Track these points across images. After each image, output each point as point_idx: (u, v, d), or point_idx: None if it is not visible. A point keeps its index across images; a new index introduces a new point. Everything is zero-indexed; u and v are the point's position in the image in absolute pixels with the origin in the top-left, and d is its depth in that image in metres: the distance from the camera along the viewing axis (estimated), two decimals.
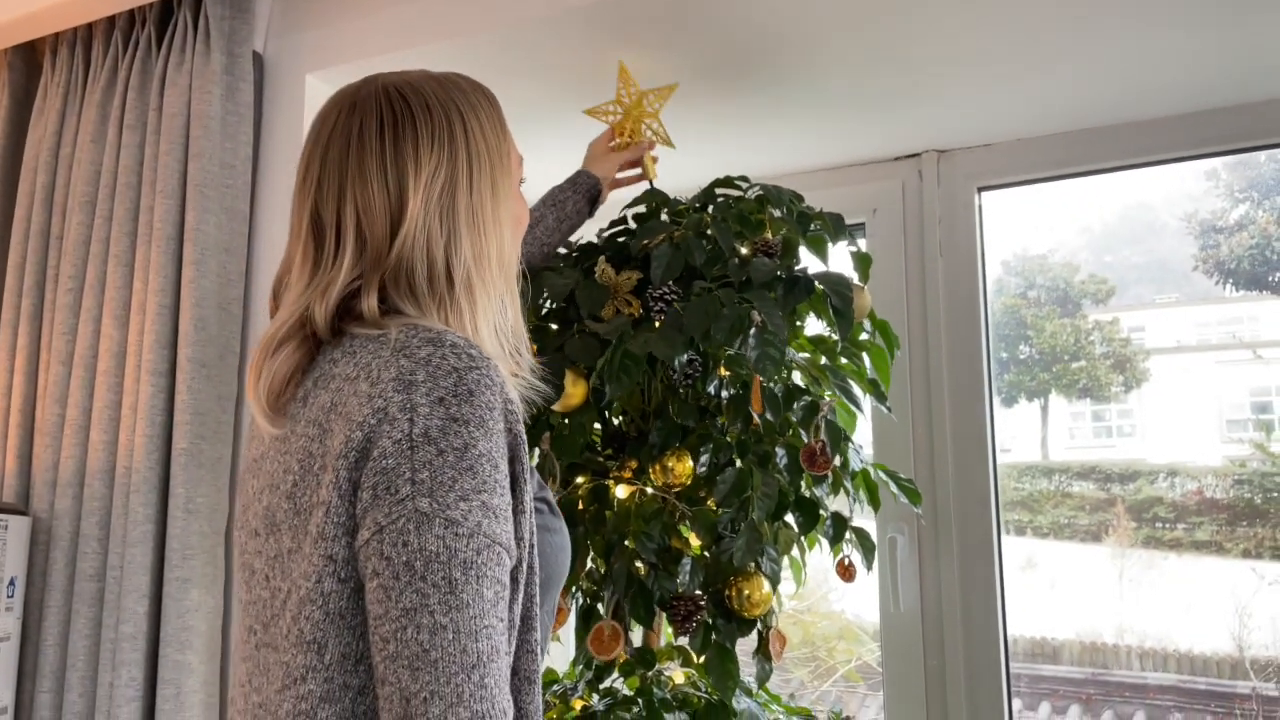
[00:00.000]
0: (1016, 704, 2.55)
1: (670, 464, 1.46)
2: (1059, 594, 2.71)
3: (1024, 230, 2.79)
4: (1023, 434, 2.93)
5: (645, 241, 1.52)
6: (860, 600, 2.56)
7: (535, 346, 1.51)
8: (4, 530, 1.71)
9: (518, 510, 0.90)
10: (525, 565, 0.91)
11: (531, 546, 0.92)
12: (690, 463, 1.46)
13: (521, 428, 0.91)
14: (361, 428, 0.85)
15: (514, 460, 0.90)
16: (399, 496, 0.82)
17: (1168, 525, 2.63)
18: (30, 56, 2.11)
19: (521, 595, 0.90)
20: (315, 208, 0.99)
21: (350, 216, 0.96)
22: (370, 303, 0.95)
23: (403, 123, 0.98)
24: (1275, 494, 2.48)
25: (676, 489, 1.47)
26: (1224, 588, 2.44)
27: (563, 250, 1.70)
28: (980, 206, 2.00)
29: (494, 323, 1.00)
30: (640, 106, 1.71)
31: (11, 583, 1.73)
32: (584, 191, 1.66)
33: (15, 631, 1.74)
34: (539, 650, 0.94)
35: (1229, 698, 2.46)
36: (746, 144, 2.07)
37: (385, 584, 0.81)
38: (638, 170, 1.77)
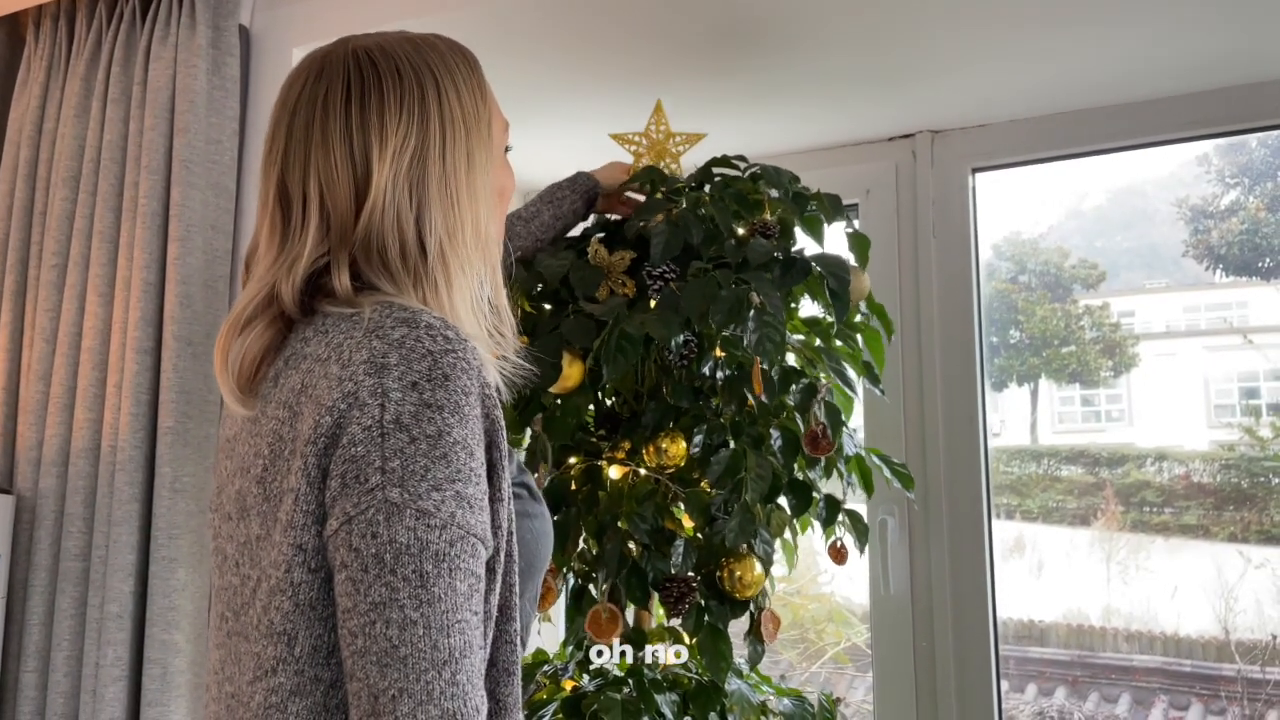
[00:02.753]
0: (1003, 685, 2.57)
1: (664, 445, 1.45)
2: (1047, 577, 2.72)
3: (1015, 214, 2.79)
4: (1012, 418, 2.94)
5: (642, 223, 1.51)
6: (849, 583, 2.56)
7: (525, 339, 1.49)
8: None
9: (495, 498, 0.86)
10: (503, 554, 0.88)
11: (510, 535, 0.89)
12: (684, 444, 1.45)
13: (500, 413, 0.88)
14: (331, 412, 0.82)
15: (491, 446, 0.86)
16: (368, 486, 0.79)
17: (1155, 509, 2.64)
18: (13, 29, 2.08)
19: (500, 585, 0.87)
20: (281, 178, 0.94)
21: (315, 188, 0.92)
22: (342, 279, 0.91)
23: (369, 88, 0.93)
24: (1262, 478, 2.50)
25: (670, 470, 1.46)
26: (1210, 571, 2.46)
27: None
28: (974, 188, 1.99)
29: (471, 300, 0.96)
30: (664, 145, 1.68)
31: None
32: (581, 192, 1.62)
33: None
34: (518, 641, 0.91)
35: (1214, 680, 2.48)
36: (740, 124, 2.05)
37: (354, 576, 0.78)
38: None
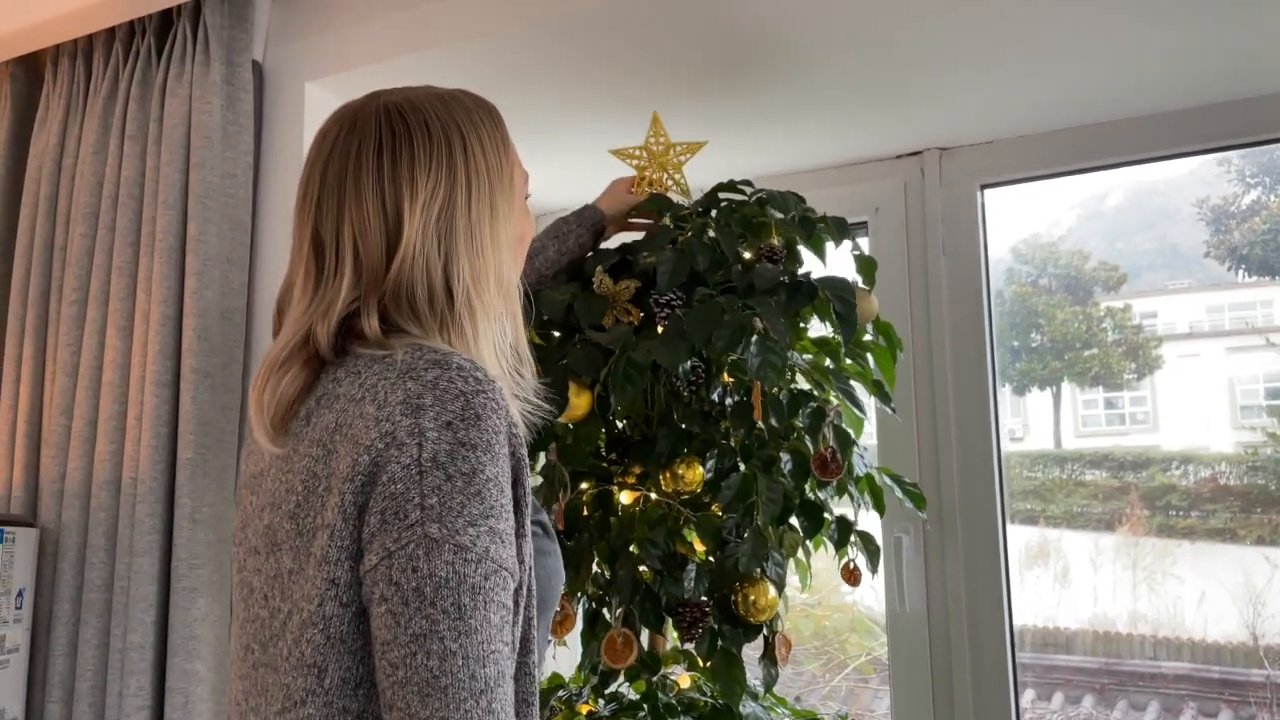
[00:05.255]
0: (1030, 694, 2.55)
1: (680, 471, 1.45)
2: (1071, 583, 2.70)
3: (1034, 217, 2.77)
4: (1035, 423, 2.91)
5: (645, 254, 1.52)
6: (872, 593, 2.55)
7: (539, 369, 1.50)
8: (12, 542, 1.73)
9: (519, 534, 0.90)
10: (525, 588, 0.91)
11: (530, 570, 0.92)
12: (700, 470, 1.46)
13: (524, 451, 0.91)
14: (369, 451, 0.85)
15: (516, 484, 0.90)
16: (408, 522, 0.82)
17: (1181, 513, 2.61)
18: (32, 68, 2.11)
19: (520, 618, 0.90)
20: (316, 227, 0.99)
21: (348, 237, 0.96)
22: (372, 323, 0.94)
23: (400, 143, 0.98)
24: None
25: (685, 496, 1.47)
26: (1238, 575, 2.43)
27: None
28: (983, 204, 1.98)
29: (494, 344, 1.00)
30: (666, 156, 1.69)
31: (20, 594, 1.74)
32: (588, 225, 1.64)
33: (24, 642, 1.76)
34: (536, 673, 0.94)
35: (1243, 685, 2.45)
36: (748, 144, 2.06)
37: (394, 609, 0.81)
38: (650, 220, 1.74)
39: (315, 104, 1.88)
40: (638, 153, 1.70)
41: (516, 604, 0.89)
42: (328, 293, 0.96)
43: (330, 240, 0.97)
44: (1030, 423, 2.90)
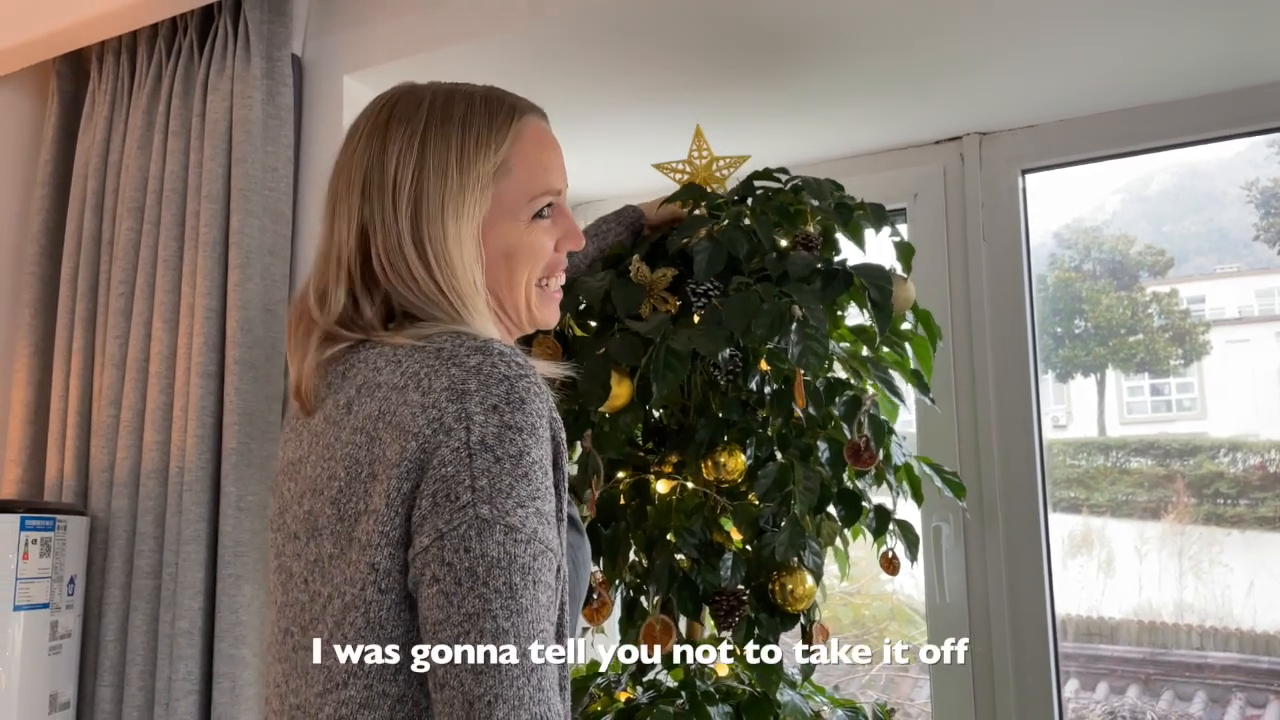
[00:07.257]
0: (1073, 684, 2.53)
1: (722, 459, 1.46)
2: (1116, 572, 2.67)
3: (1077, 201, 2.73)
4: (1078, 410, 2.88)
5: (685, 240, 1.52)
6: (911, 581, 2.54)
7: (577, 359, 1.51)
8: (64, 530, 1.76)
9: (557, 517, 0.91)
10: (560, 572, 0.92)
11: (563, 554, 0.93)
12: (742, 457, 1.46)
13: (564, 436, 0.93)
14: (416, 438, 0.86)
15: (555, 467, 0.91)
16: (459, 503, 0.84)
17: (1229, 501, 2.57)
18: (78, 65, 2.15)
19: (557, 602, 0.91)
20: (332, 202, 1.05)
21: (343, 213, 1.01)
22: (379, 308, 0.99)
23: (378, 129, 1.02)
24: None
25: (726, 484, 1.47)
26: None
27: None
28: (1024, 189, 1.96)
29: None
30: (709, 170, 1.67)
31: (72, 581, 1.78)
32: (628, 224, 1.65)
33: (76, 629, 1.79)
34: (567, 659, 0.95)
35: None
36: (786, 131, 2.05)
37: (446, 589, 0.83)
38: None
39: (353, 96, 1.89)
40: (680, 166, 1.69)
41: (556, 587, 0.90)
42: (329, 265, 1.01)
43: (329, 214, 1.04)
44: (1074, 410, 2.87)
